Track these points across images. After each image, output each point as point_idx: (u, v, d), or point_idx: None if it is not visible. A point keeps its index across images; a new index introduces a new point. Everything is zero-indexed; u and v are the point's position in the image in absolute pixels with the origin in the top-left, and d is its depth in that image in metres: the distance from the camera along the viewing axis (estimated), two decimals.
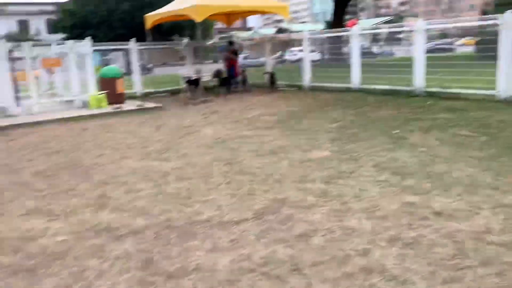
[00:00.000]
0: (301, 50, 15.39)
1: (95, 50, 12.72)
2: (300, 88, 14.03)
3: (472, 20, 15.05)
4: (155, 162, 6.09)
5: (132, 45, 14.59)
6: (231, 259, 3.22)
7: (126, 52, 15.24)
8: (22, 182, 5.45)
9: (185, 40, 17.70)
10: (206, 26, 53.95)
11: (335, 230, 3.61)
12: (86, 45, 12.00)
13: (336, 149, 6.25)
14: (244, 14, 16.95)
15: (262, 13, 17.00)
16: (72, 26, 51.28)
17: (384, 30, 16.86)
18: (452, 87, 10.18)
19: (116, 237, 3.72)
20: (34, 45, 11.87)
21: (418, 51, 10.83)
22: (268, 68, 15.71)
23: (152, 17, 15.12)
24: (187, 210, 4.25)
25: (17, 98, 11.15)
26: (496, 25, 9.35)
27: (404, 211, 3.89)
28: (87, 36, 12.33)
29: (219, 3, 13.48)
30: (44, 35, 57.56)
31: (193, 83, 13.25)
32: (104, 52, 16.10)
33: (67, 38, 49.77)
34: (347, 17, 31.64)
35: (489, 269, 2.88)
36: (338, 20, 26.49)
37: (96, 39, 13.14)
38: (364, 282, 2.84)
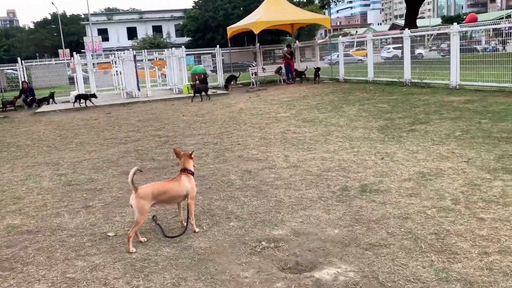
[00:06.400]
0: (396, 48, 17.67)
1: (187, 54, 18.61)
2: (366, 82, 16.44)
3: None
4: (196, 118, 11.37)
5: (217, 49, 20.27)
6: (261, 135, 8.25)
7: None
8: (129, 123, 11.16)
9: (296, 42, 22.64)
10: (310, 29, 58.74)
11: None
12: (181, 51, 17.89)
13: (293, 112, 10.85)
14: (296, 25, 21.52)
15: (309, 24, 21.33)
16: (195, 30, 60.10)
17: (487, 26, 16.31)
18: None
19: (192, 135, 9.00)
20: (148, 52, 18.08)
21: None
22: (318, 64, 20.14)
23: (231, 29, 20.65)
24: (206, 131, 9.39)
25: (138, 87, 17.44)
26: None
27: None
28: (207, 39, 18.32)
29: (273, 19, 18.35)
30: (173, 38, 67.30)
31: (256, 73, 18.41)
32: (197, 55, 22.02)
33: (191, 41, 58.70)
34: (468, 10, 32.34)
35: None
36: (411, 20, 29.11)
37: (214, 41, 19.00)
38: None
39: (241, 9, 56.53)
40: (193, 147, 7.75)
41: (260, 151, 7.11)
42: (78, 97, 15.95)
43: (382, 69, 16.96)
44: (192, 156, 4.15)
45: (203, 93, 15.26)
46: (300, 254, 3.53)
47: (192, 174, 4.09)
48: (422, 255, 3.36)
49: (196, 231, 4.03)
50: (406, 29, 15.25)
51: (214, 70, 21.06)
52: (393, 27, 76.58)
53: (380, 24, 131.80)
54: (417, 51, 18.37)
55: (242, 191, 5.18)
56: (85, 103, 15.84)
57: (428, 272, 3.10)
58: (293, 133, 8.40)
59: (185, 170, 4.05)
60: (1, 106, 17.16)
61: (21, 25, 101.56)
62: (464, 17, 59.21)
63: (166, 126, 10.35)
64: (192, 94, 15.40)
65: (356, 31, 77.58)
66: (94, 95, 16.16)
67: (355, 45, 25.33)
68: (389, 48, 24.98)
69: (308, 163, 6.19)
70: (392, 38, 20.70)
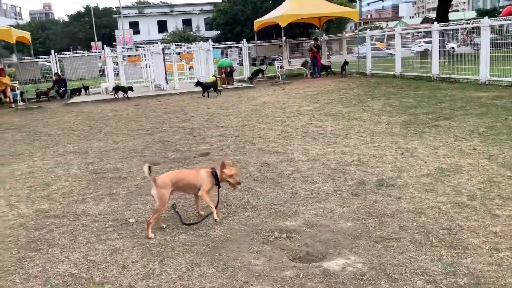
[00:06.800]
0: (427, 42, 17.33)
1: (214, 48, 18.78)
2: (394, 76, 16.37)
3: None
4: (220, 110, 11.53)
5: (244, 43, 20.37)
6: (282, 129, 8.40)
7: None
8: (156, 115, 11.42)
9: (323, 35, 22.56)
10: (340, 22, 58.05)
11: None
12: (208, 44, 18.08)
13: (317, 106, 10.86)
14: (323, 18, 21.34)
15: (338, 17, 21.11)
16: (224, 23, 60.36)
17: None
18: None
19: (215, 127, 9.20)
20: (177, 45, 18.34)
21: None
22: (346, 57, 19.98)
23: (257, 23, 20.70)
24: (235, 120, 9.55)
25: (166, 79, 17.75)
26: None
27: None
28: (236, 32, 18.53)
29: (300, 13, 18.28)
30: (203, 31, 67.80)
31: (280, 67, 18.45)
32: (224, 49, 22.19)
33: (220, 34, 58.98)
34: (505, 3, 31.34)
35: None
36: (442, 13, 28.41)
37: (243, 34, 19.11)
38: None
39: (270, 2, 56.26)
40: (215, 139, 7.90)
41: (280, 144, 7.19)
42: (116, 89, 16.26)
43: (410, 63, 16.68)
44: (225, 165, 4.15)
45: (211, 89, 15.16)
46: (311, 244, 3.61)
47: (215, 175, 4.13)
48: (432, 249, 3.38)
49: (215, 219, 4.08)
50: (435, 23, 14.94)
51: (241, 64, 21.20)
52: (425, 20, 74.74)
53: (412, 17, 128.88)
54: (449, 45, 17.96)
55: (259, 182, 5.28)
56: (125, 95, 16.00)
57: (436, 265, 3.14)
58: (314, 126, 8.43)
59: (223, 163, 4.15)
60: (35, 96, 17.81)
61: (56, 18, 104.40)
62: (501, 10, 57.17)
63: (191, 118, 10.55)
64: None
65: (387, 25, 76.11)
66: (131, 88, 16.35)
67: (385, 39, 24.94)
68: (419, 42, 24.49)
69: (327, 157, 6.23)
70: (424, 32, 20.26)
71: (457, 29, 16.14)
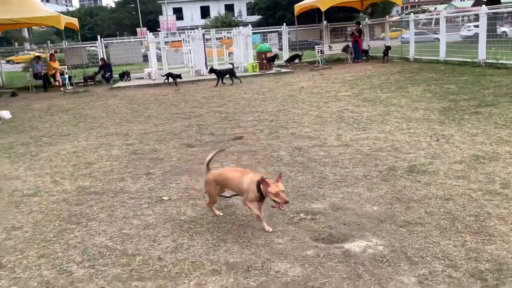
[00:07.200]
0: (476, 26, 16.75)
1: (254, 33, 18.81)
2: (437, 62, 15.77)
3: None
4: (256, 95, 11.63)
5: (284, 28, 20.26)
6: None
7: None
8: (195, 99, 11.68)
9: (365, 19, 22.23)
10: (385, 5, 56.24)
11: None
12: (248, 29, 18.13)
13: (355, 91, 10.73)
14: (366, 2, 20.80)
15: (381, 0, 20.49)
16: (266, 8, 59.97)
17: None
18: None
19: (250, 112, 9.39)
20: (217, 31, 18.50)
21: None
22: (388, 43, 19.48)
23: (298, 7, 20.51)
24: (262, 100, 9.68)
25: (206, 65, 18.00)
26: None
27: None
28: (277, 17, 18.52)
29: None
30: (245, 16, 67.67)
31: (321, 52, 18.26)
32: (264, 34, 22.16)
33: (262, 19, 58.76)
34: None
35: None
36: None
37: (285, 19, 18.98)
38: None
39: None
40: (249, 124, 8.03)
41: (314, 129, 7.22)
42: (168, 75, 16.45)
43: (456, 48, 16.06)
44: (267, 181, 3.46)
45: (227, 76, 14.65)
46: (334, 227, 3.68)
47: (261, 183, 3.48)
48: (457, 235, 3.37)
49: (267, 230, 3.63)
50: (483, 6, 14.26)
51: (281, 49, 21.13)
52: (477, 3, 71.25)
53: (463, 0, 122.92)
54: (501, 29, 17.11)
55: (289, 166, 5.37)
56: (175, 82, 16.02)
57: (458, 251, 3.14)
58: (350, 112, 8.38)
59: (263, 179, 3.48)
60: (82, 81, 18.57)
61: (103, 5, 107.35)
62: None
63: (228, 103, 10.73)
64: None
65: (435, 8, 73.08)
66: (179, 76, 16.40)
67: (433, 23, 24.06)
68: (469, 26, 23.46)
69: (360, 142, 6.22)
70: (474, 15, 19.38)
71: (510, 12, 15.32)
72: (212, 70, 15.20)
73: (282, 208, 3.51)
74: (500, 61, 13.00)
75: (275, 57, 18.44)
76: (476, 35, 19.36)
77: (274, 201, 3.42)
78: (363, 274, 2.93)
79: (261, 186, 3.47)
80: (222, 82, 14.69)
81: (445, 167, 4.88)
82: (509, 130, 6.15)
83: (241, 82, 14.83)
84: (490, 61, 13.44)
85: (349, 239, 3.45)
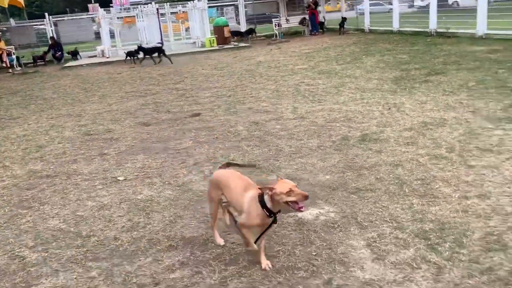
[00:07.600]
0: None
1: (210, 6, 18.46)
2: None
3: None
4: (214, 71, 11.52)
5: (240, 1, 19.99)
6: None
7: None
8: (151, 77, 11.43)
9: None
10: None
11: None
12: (203, 3, 17.76)
13: (311, 64, 10.81)
14: None
15: None
16: None
17: None
18: None
19: (208, 88, 9.26)
20: (171, 5, 18.02)
21: None
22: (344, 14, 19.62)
23: None
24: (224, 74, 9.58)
25: (162, 41, 17.54)
26: None
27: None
28: None
29: None
30: None
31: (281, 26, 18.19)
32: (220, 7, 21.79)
33: None
34: None
35: None
36: None
37: None
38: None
39: None
40: (207, 100, 7.97)
41: (271, 103, 7.26)
42: (128, 54, 15.61)
43: (408, 18, 16.40)
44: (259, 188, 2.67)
45: (155, 55, 14.44)
46: None
47: (263, 192, 2.58)
48: (404, 198, 3.53)
49: (263, 268, 2.76)
50: None
51: (239, 23, 20.87)
52: None
53: None
54: None
55: (246, 141, 5.40)
56: (133, 59, 15.36)
57: (405, 213, 3.29)
58: (306, 85, 8.46)
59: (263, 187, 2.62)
60: (32, 61, 17.74)
61: None
62: None
63: (185, 80, 10.57)
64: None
65: None
66: (138, 52, 15.15)
67: None
68: None
69: (315, 114, 6.31)
70: None
71: None
72: (140, 49, 14.95)
73: (302, 210, 2.53)
74: (450, 30, 13.38)
75: (252, 31, 18.23)
76: (429, 5, 19.81)
77: (289, 204, 2.49)
78: (315, 240, 3.04)
79: (265, 196, 2.56)
80: (135, 62, 14.81)
81: (395, 135, 5.05)
82: (456, 97, 6.40)
83: (171, 62, 14.03)
84: (441, 30, 13.82)
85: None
